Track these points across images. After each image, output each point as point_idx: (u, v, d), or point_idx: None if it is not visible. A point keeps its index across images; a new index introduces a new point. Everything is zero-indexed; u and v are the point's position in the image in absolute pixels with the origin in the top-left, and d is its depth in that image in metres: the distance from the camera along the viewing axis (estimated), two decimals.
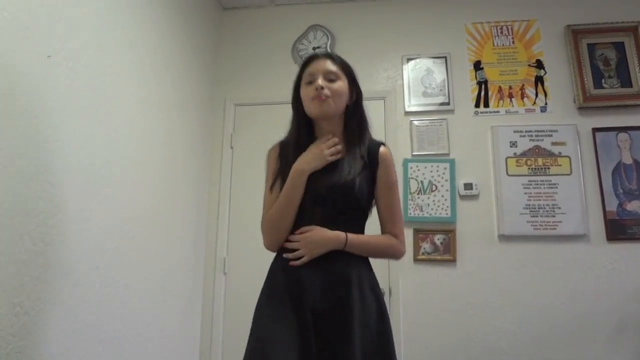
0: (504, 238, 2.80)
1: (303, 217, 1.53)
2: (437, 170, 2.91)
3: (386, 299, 2.86)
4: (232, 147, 3.32)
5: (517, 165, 2.88)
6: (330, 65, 1.62)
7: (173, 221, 2.72)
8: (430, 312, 2.81)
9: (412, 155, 2.99)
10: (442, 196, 2.88)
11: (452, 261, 2.81)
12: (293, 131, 1.66)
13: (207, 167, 3.27)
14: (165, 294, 2.59)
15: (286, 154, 1.62)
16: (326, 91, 1.57)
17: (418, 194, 2.90)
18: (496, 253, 2.81)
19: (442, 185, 2.89)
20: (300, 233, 1.51)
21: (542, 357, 2.68)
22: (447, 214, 2.84)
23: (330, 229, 1.49)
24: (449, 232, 2.84)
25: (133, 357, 2.21)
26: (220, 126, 3.33)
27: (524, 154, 2.90)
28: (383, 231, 1.62)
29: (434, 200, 2.88)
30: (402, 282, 2.86)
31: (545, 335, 2.69)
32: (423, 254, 2.85)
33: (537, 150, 2.90)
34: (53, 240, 1.69)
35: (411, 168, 2.94)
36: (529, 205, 2.81)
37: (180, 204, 2.82)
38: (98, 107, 1.98)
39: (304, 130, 1.64)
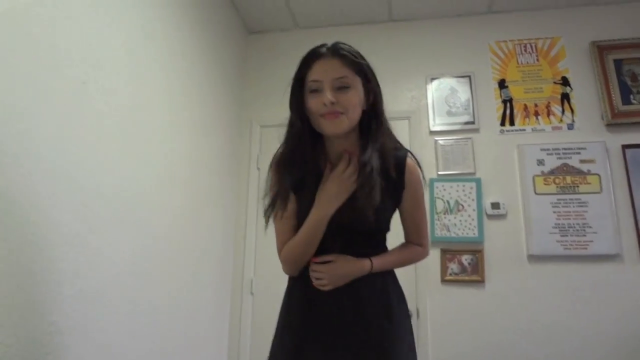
0: (533, 258, 2.76)
1: (324, 245, 1.42)
2: (464, 190, 2.90)
3: (413, 320, 2.83)
4: (258, 168, 3.36)
5: (545, 184, 2.84)
6: (340, 68, 1.38)
7: (200, 243, 2.74)
8: (458, 334, 2.76)
9: (438, 175, 2.98)
10: (469, 216, 2.85)
11: (481, 282, 2.77)
12: (296, 145, 1.44)
13: (235, 188, 3.32)
14: (194, 316, 2.62)
15: (289, 172, 1.45)
16: (339, 107, 1.35)
17: (445, 213, 2.88)
18: (525, 274, 2.76)
19: (469, 205, 2.87)
20: (323, 261, 1.42)
21: None
22: (474, 233, 2.81)
23: (353, 251, 1.41)
24: (477, 252, 2.81)
25: None
26: (247, 147, 3.38)
27: (552, 172, 2.86)
28: (407, 239, 1.56)
29: (460, 220, 2.85)
30: (429, 304, 2.83)
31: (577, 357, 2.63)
32: (451, 274, 2.82)
33: (565, 168, 2.86)
34: (88, 260, 1.74)
35: (437, 188, 2.93)
36: (559, 224, 2.76)
37: (208, 226, 2.86)
38: (129, 131, 2.04)
39: (309, 143, 1.43)
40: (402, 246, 1.56)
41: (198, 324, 2.70)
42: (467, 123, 3.05)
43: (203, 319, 2.78)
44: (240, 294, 3.16)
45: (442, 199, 2.91)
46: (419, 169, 1.49)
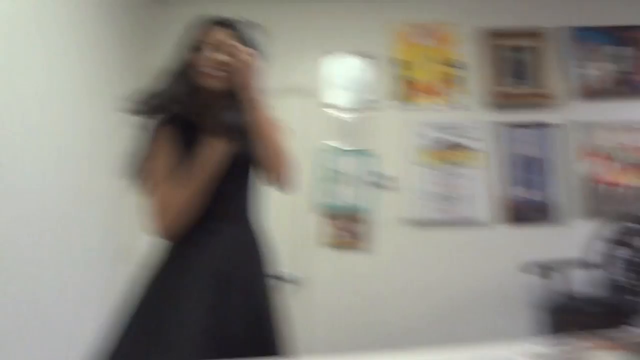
0: (415, 223, 3.00)
1: None
2: (356, 162, 3.10)
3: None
4: None
5: (431, 158, 3.10)
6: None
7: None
8: (342, 298, 2.95)
9: (333, 148, 3.15)
10: (356, 185, 3.07)
11: (365, 247, 2.99)
12: None
13: None
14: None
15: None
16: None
17: (334, 183, 3.08)
18: (407, 238, 3.00)
19: (358, 175, 3.08)
20: None
21: (447, 332, 2.86)
22: (360, 202, 3.04)
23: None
24: (360, 220, 3.02)
25: None
26: None
27: (437, 147, 3.13)
28: None
29: (349, 189, 3.07)
30: (314, 269, 2.98)
31: (448, 311, 2.90)
32: (337, 240, 3.01)
33: (449, 144, 3.13)
34: None
35: (327, 158, 3.11)
36: (439, 193, 3.03)
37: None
38: None
39: None
40: None
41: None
42: (363, 100, 3.21)
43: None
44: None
45: (333, 170, 3.10)
46: None
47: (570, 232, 2.96)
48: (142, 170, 1.45)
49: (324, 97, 3.24)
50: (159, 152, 1.44)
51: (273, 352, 1.39)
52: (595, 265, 2.62)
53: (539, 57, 3.24)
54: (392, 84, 3.26)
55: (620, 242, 2.59)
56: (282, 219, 2.90)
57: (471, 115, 3.19)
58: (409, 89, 3.23)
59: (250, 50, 1.43)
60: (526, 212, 3.02)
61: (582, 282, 2.63)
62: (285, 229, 2.93)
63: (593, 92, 3.20)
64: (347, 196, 3.02)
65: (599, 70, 3.24)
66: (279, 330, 1.44)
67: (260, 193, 1.56)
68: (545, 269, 2.66)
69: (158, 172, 1.43)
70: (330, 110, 3.22)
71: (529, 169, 3.09)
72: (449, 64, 3.28)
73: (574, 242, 2.79)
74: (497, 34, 3.29)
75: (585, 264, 2.65)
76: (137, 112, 1.46)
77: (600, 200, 3.00)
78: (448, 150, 3.09)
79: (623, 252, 2.55)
